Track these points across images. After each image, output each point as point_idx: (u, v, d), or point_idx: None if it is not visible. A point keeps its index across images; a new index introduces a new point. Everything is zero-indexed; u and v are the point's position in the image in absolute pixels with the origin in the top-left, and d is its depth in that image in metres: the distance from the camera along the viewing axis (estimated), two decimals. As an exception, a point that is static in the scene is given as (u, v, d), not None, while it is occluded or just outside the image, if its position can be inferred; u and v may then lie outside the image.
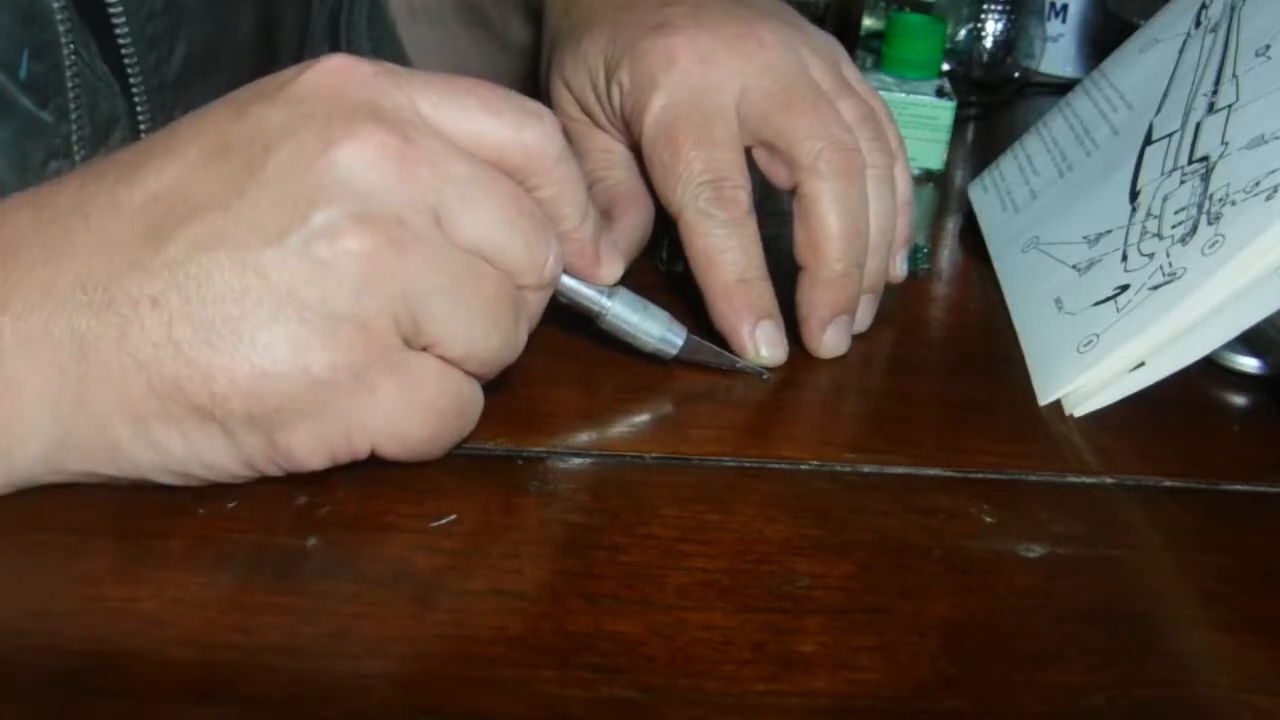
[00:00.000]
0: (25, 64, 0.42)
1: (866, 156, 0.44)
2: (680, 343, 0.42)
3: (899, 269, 0.48)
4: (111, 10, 0.46)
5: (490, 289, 0.34)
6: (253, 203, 0.31)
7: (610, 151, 0.48)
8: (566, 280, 0.38)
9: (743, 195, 0.43)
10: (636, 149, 0.45)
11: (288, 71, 0.33)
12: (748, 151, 0.44)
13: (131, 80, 0.48)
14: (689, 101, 0.43)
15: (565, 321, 0.41)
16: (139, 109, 0.48)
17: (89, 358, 0.31)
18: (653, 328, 0.41)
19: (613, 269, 0.39)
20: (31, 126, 0.43)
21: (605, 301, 0.40)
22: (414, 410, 0.33)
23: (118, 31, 0.46)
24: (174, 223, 0.31)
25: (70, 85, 0.44)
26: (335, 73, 0.33)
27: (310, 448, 0.32)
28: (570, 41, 0.48)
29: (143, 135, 0.49)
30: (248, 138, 0.32)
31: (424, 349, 0.33)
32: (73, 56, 0.44)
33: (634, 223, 0.47)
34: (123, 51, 0.47)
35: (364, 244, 0.31)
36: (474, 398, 0.35)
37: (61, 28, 0.43)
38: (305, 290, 0.31)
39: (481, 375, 0.35)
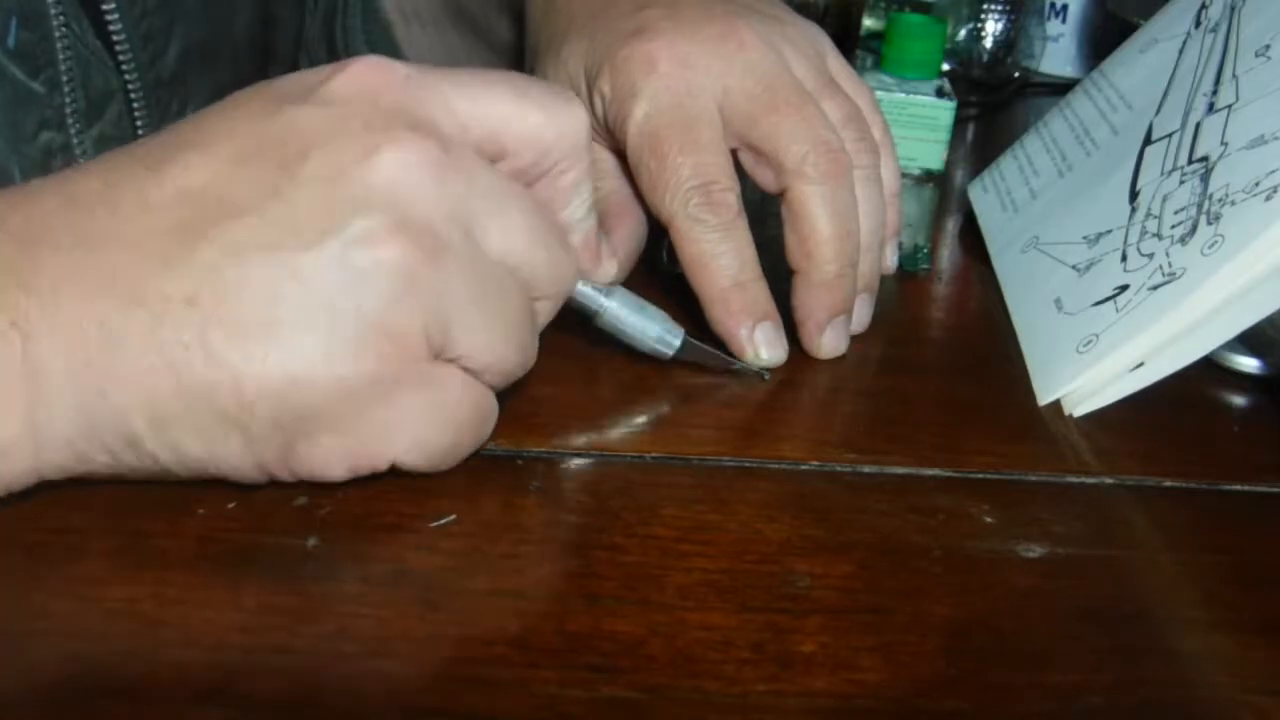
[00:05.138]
0: (14, 32, 0.42)
1: (853, 157, 0.44)
2: (677, 343, 0.42)
3: (890, 260, 0.48)
4: (104, 6, 0.46)
5: (514, 302, 0.34)
6: (289, 204, 0.30)
7: (600, 161, 0.47)
8: None
9: (732, 198, 0.42)
10: (624, 156, 0.45)
11: (317, 72, 0.33)
12: (734, 155, 0.44)
13: (127, 75, 0.48)
14: (671, 107, 0.43)
15: (565, 322, 0.41)
16: (135, 103, 0.48)
17: (115, 352, 0.30)
18: (650, 327, 0.41)
19: (610, 264, 0.40)
20: (22, 96, 0.43)
21: (603, 300, 0.40)
22: (437, 421, 0.33)
23: (112, 27, 0.46)
24: (208, 222, 0.30)
25: (62, 57, 0.44)
26: (369, 76, 0.33)
27: (332, 458, 0.32)
28: (550, 50, 0.47)
29: (138, 126, 0.49)
30: (281, 140, 0.31)
31: (450, 360, 0.33)
32: (63, 28, 0.44)
33: (628, 233, 0.46)
34: (117, 47, 0.47)
35: (402, 254, 0.31)
36: (492, 408, 0.35)
37: None
38: (341, 299, 0.30)
39: (497, 386, 0.35)
